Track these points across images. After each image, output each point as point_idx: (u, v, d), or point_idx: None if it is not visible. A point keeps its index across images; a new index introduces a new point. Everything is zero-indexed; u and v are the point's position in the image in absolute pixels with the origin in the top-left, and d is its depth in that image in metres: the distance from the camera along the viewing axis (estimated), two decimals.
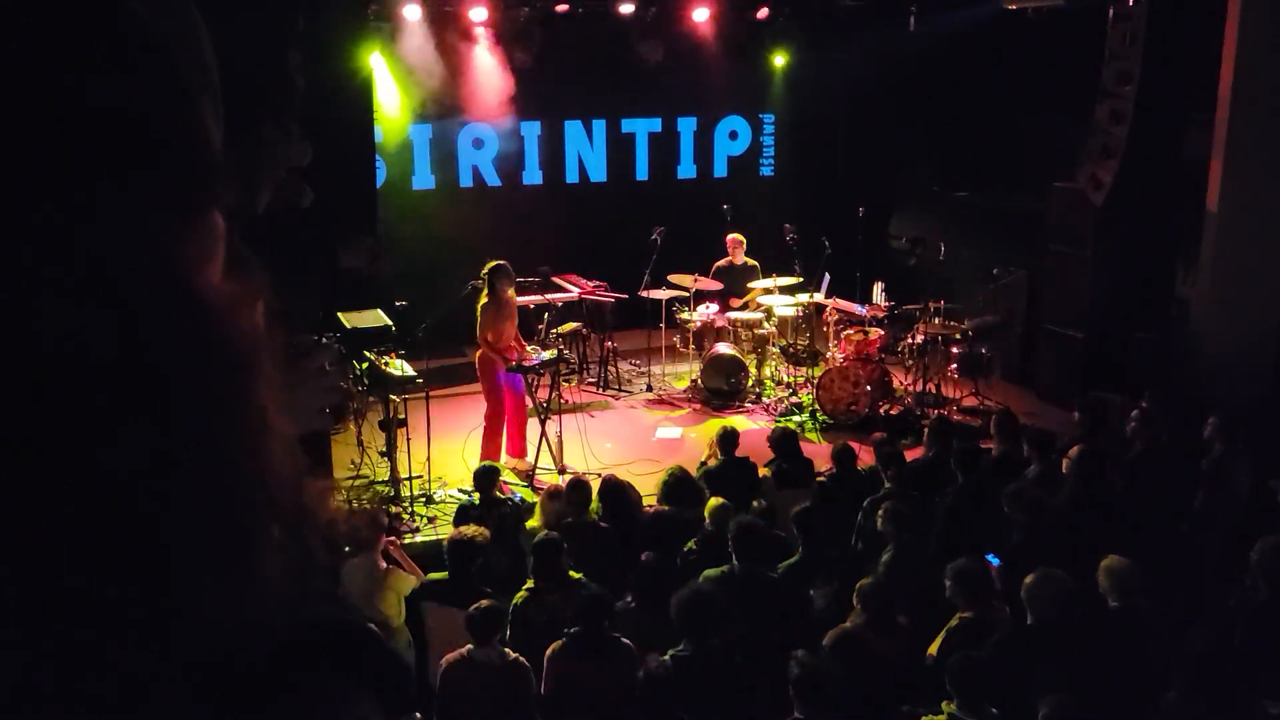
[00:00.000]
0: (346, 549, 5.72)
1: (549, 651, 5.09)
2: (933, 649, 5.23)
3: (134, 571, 0.51)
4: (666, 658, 4.94)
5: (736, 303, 11.25)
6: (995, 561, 5.83)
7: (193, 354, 0.55)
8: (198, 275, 0.57)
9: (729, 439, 7.52)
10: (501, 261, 8.71)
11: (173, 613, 0.53)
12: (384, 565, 5.90)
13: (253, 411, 0.57)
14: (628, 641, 5.11)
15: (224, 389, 0.56)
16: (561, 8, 11.80)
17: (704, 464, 7.82)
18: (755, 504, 6.78)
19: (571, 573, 5.71)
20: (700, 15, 12.26)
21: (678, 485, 6.87)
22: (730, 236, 11.51)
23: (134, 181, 0.54)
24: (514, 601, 5.57)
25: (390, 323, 8.61)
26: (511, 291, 8.79)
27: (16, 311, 0.49)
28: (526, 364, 8.67)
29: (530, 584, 5.66)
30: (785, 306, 10.92)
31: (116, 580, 0.51)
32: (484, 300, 8.62)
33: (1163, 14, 9.32)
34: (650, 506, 7.08)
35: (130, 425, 0.51)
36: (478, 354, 8.82)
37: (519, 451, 8.96)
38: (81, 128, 0.53)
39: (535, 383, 8.82)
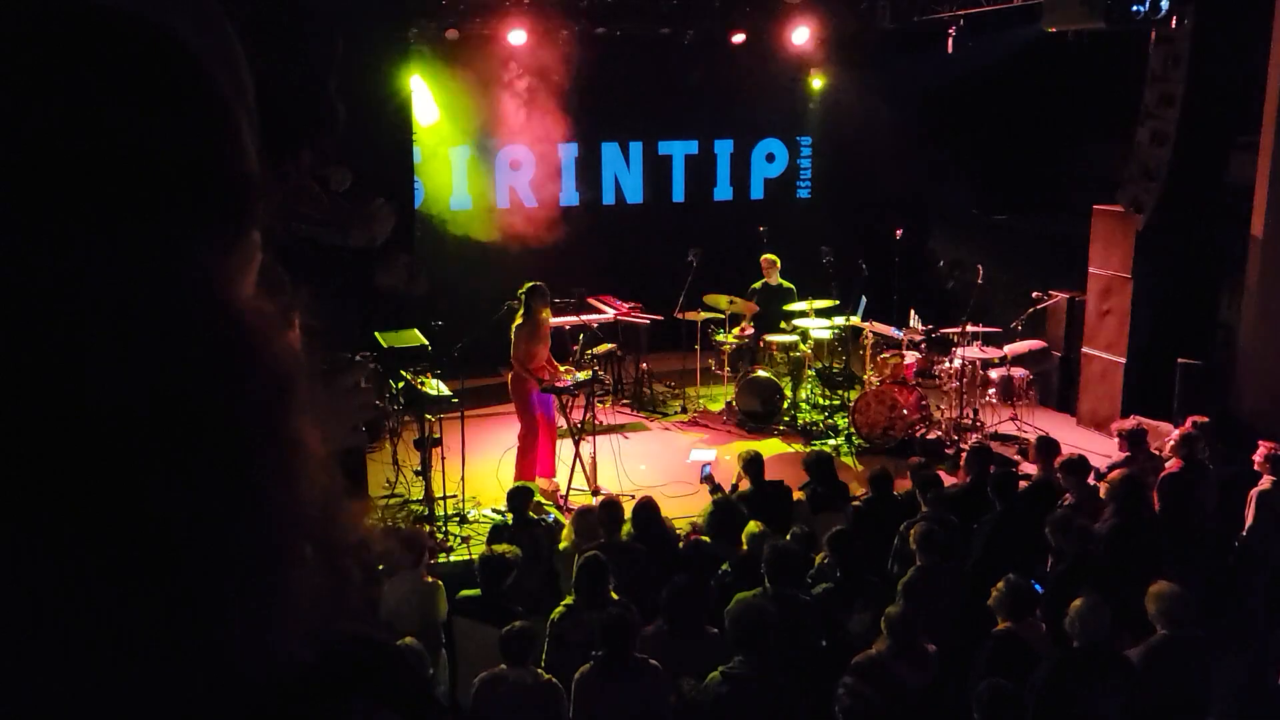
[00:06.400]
0: (382, 568, 5.75)
1: (577, 675, 5.06)
2: None
3: (160, 596, 0.51)
4: (717, 674, 4.87)
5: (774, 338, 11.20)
6: (1038, 589, 5.73)
7: (229, 378, 0.54)
8: (235, 298, 0.57)
9: (754, 464, 7.44)
10: (539, 283, 8.74)
11: (198, 637, 0.52)
12: (430, 580, 5.94)
13: (286, 434, 0.57)
14: (656, 663, 5.07)
15: (258, 413, 0.55)
16: (600, 30, 11.89)
17: (734, 486, 7.77)
18: (797, 529, 6.70)
19: (613, 594, 5.66)
20: (738, 38, 12.30)
21: (723, 514, 6.73)
22: (764, 257, 11.50)
23: (176, 205, 0.55)
24: (551, 618, 5.56)
25: (426, 342, 8.67)
26: (547, 313, 8.80)
27: (57, 337, 0.49)
28: (559, 385, 8.69)
29: (570, 600, 5.64)
30: (822, 329, 10.88)
31: (143, 605, 0.51)
32: (519, 321, 8.65)
33: (1206, 36, 9.23)
34: (687, 533, 6.99)
35: (163, 450, 0.51)
36: (510, 375, 8.85)
37: (550, 472, 8.97)
38: (124, 153, 0.53)
39: (570, 404, 8.83)
